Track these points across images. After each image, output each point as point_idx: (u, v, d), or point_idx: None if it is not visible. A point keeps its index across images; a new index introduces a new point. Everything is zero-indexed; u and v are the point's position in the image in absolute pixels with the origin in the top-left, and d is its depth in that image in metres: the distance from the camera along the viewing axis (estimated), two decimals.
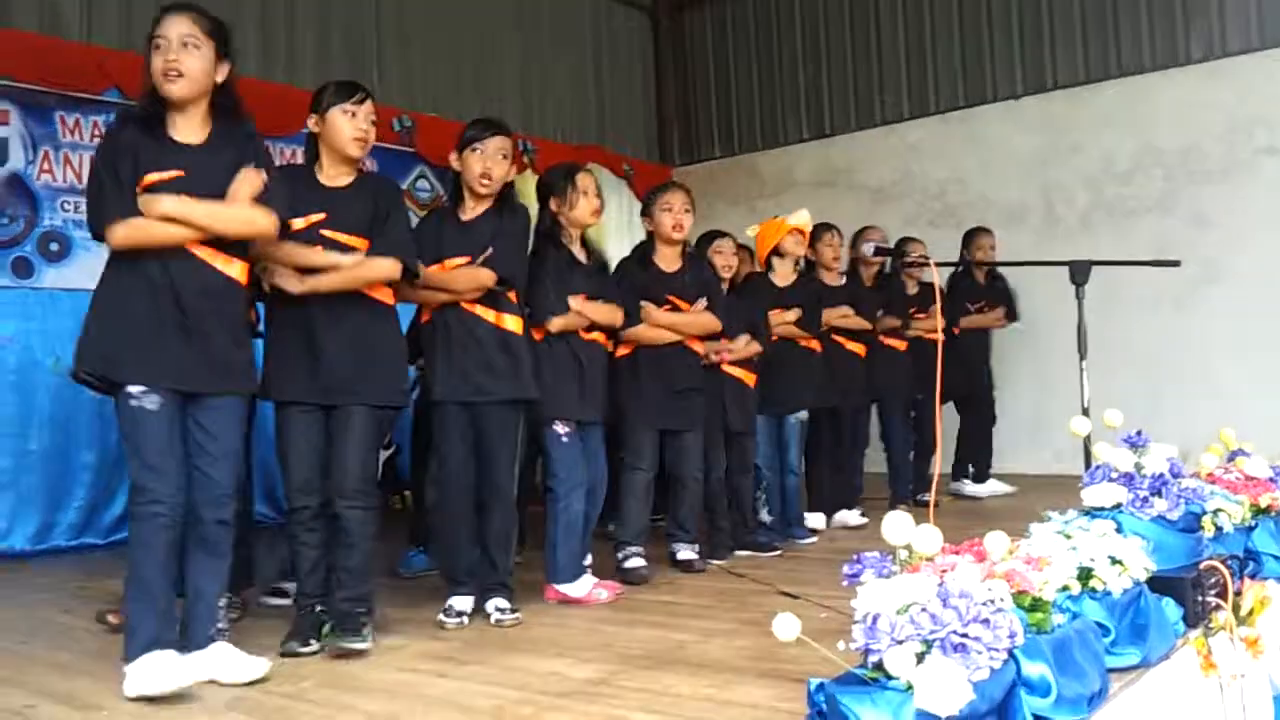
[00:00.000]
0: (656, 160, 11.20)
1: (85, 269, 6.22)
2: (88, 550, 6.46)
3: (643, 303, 4.91)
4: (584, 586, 4.44)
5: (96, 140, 6.68)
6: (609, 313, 4.64)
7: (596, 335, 4.63)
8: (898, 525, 2.32)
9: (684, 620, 3.99)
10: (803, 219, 5.90)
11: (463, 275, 4.11)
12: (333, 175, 3.84)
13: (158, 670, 3.10)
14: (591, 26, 10.74)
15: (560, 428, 4.49)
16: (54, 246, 6.65)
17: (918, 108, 9.83)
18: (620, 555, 4.87)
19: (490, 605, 4.08)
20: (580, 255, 4.65)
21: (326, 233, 3.71)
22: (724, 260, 5.46)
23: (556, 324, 4.43)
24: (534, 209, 4.65)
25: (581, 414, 4.54)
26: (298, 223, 3.63)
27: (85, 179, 3.45)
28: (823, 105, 10.42)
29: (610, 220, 8.22)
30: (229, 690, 3.22)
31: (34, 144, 6.62)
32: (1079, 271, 4.18)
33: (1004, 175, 9.22)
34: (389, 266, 3.75)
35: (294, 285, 3.64)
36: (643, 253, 5.18)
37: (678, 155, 11.38)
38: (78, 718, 3.07)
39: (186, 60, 3.25)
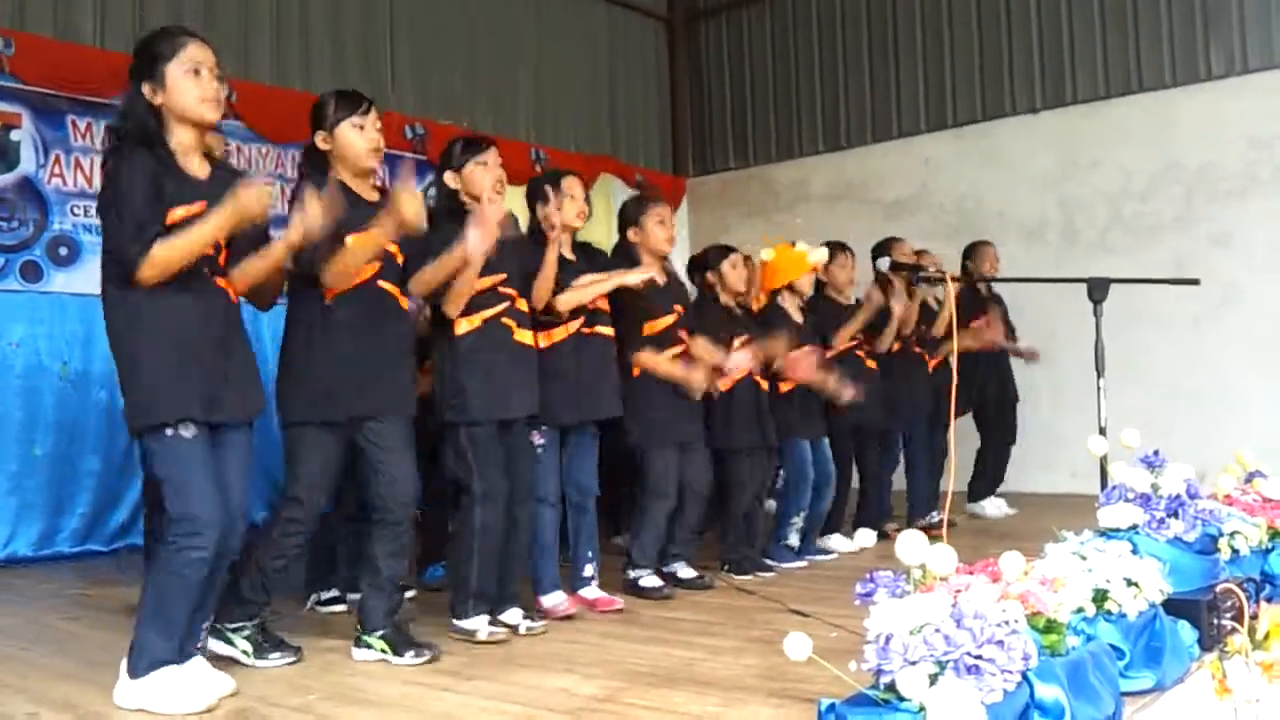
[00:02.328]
0: (670, 171, 11.19)
1: (94, 274, 6.08)
2: (90, 557, 6.43)
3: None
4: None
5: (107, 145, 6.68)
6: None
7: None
8: (912, 544, 2.29)
9: (692, 637, 3.95)
10: (821, 257, 5.74)
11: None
12: (362, 188, 3.81)
13: (169, 687, 3.10)
14: (606, 35, 10.73)
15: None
16: (63, 251, 6.65)
17: (935, 121, 9.79)
18: (633, 574, 4.83)
19: (516, 616, 4.09)
20: (568, 254, 4.57)
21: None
22: (738, 274, 5.41)
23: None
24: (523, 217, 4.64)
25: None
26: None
27: (100, 189, 3.32)
28: (838, 117, 10.37)
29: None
30: (233, 700, 3.19)
31: (45, 147, 6.63)
32: (1097, 289, 4.14)
33: (1021, 191, 9.17)
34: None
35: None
36: (631, 262, 4.93)
37: (691, 166, 11.35)
38: None
39: (220, 91, 3.26)
